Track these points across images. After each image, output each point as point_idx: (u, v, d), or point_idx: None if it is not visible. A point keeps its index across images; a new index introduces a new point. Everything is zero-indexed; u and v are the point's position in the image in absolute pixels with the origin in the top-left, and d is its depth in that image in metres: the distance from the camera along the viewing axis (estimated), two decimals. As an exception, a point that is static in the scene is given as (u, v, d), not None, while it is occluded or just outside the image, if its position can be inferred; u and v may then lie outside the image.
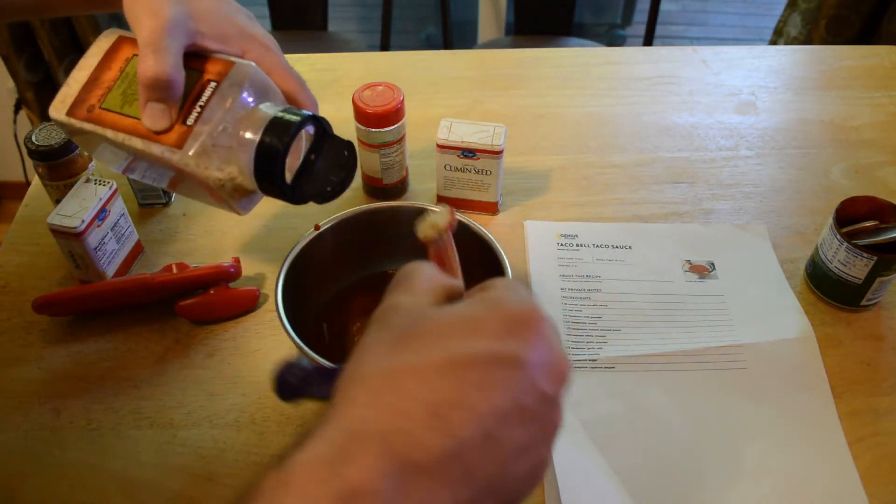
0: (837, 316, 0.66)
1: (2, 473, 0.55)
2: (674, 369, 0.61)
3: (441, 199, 0.76)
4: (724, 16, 2.85)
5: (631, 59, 1.02)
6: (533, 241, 0.72)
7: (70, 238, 0.62)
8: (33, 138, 0.67)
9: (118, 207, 0.67)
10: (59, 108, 0.44)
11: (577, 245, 0.72)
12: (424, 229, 0.39)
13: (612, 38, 2.57)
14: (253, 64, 0.44)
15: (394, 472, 0.24)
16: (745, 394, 0.59)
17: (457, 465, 0.25)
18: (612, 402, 0.58)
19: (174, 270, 0.65)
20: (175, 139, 0.41)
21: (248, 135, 0.42)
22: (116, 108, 0.43)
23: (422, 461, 0.25)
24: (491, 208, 0.75)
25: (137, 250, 0.70)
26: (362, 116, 0.70)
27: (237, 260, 0.66)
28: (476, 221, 0.59)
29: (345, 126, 0.80)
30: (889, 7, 1.47)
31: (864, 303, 0.65)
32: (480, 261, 0.58)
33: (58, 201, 0.69)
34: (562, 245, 0.72)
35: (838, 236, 0.63)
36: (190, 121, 0.42)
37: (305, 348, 0.49)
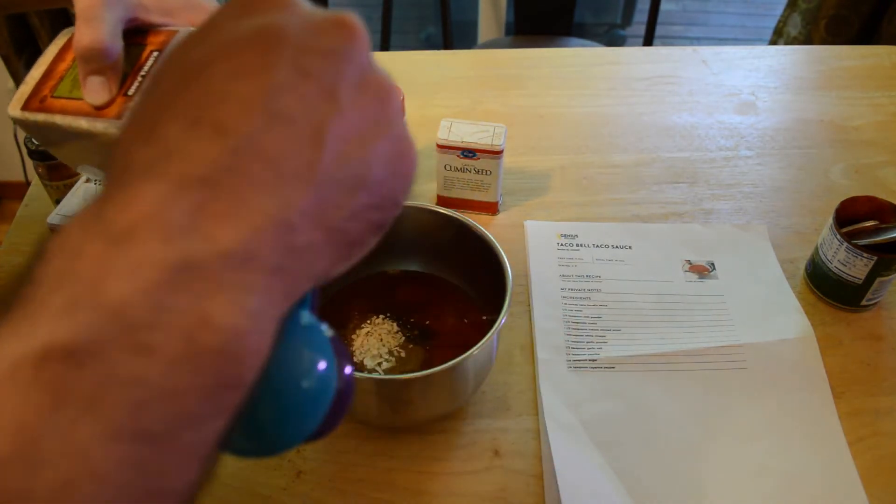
0: (837, 316, 0.66)
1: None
2: (674, 369, 0.61)
3: (441, 200, 0.76)
4: (724, 16, 2.85)
5: (631, 59, 1.02)
6: (533, 241, 0.72)
7: (70, 238, 0.62)
8: (33, 139, 0.67)
9: (118, 207, 0.66)
10: (15, 106, 0.43)
11: (577, 245, 0.72)
12: None
13: (612, 38, 2.57)
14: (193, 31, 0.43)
15: (165, 191, 0.20)
16: (745, 394, 0.59)
17: (257, 160, 0.21)
18: (612, 401, 0.58)
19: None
20: (116, 111, 0.41)
21: None
22: (66, 93, 0.42)
23: (196, 172, 0.21)
24: (491, 208, 0.75)
25: (137, 250, 0.70)
26: (362, 116, 0.70)
27: (237, 260, 0.66)
28: (476, 221, 0.59)
29: (345, 126, 0.80)
30: (889, 7, 1.47)
31: (864, 303, 0.65)
32: (480, 261, 0.58)
33: (58, 201, 0.69)
34: (562, 245, 0.72)
35: (838, 236, 0.63)
36: (131, 91, 0.41)
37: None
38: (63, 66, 0.44)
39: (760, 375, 0.60)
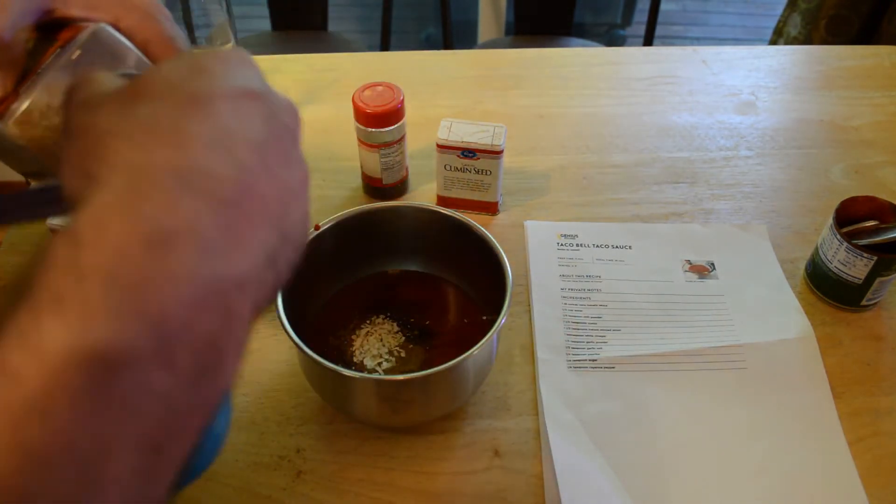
0: (837, 316, 0.66)
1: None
2: (674, 369, 0.61)
3: (441, 200, 0.76)
4: (724, 16, 2.85)
5: (631, 59, 1.02)
6: (533, 241, 0.72)
7: (70, 238, 0.62)
8: None
9: (118, 207, 0.66)
10: None
11: (577, 245, 0.72)
12: None
13: (612, 38, 2.57)
14: (105, 26, 0.40)
15: (202, 208, 0.21)
16: (745, 394, 0.59)
17: (255, 198, 0.23)
18: (612, 401, 0.58)
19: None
20: (3, 108, 0.38)
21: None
22: None
23: (224, 194, 0.22)
24: (491, 208, 0.75)
25: (137, 250, 0.70)
26: (362, 116, 0.70)
27: (237, 260, 0.66)
28: (476, 221, 0.59)
29: (345, 126, 0.80)
30: (889, 7, 1.47)
31: (864, 303, 0.65)
32: (480, 261, 0.58)
33: (58, 201, 0.69)
34: (562, 245, 0.72)
35: (838, 236, 0.63)
36: (23, 89, 0.38)
37: (305, 348, 0.49)
38: None
39: (760, 375, 0.60)
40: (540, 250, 0.71)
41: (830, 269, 0.65)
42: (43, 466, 0.17)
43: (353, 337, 0.60)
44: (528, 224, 0.74)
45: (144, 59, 0.41)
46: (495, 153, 0.70)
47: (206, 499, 0.52)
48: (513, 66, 1.00)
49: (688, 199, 0.78)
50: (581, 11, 2.49)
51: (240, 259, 0.22)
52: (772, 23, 1.67)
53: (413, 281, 0.64)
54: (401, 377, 0.49)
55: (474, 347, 0.49)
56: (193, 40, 0.78)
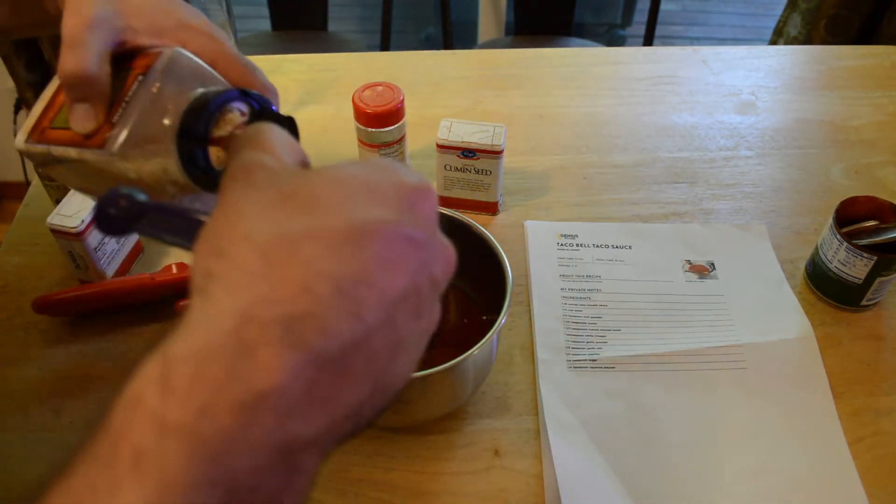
0: (837, 316, 0.66)
1: (2, 473, 0.55)
2: (674, 369, 0.61)
3: (441, 200, 0.76)
4: (724, 16, 2.85)
5: (631, 59, 1.02)
6: (533, 241, 0.72)
7: (70, 238, 0.62)
8: (39, 168, 0.67)
9: (118, 207, 0.66)
10: (20, 139, 0.42)
11: (577, 245, 0.72)
12: (221, 128, 0.38)
13: (612, 38, 2.57)
14: (180, 49, 0.41)
15: (301, 367, 0.21)
16: (745, 394, 0.59)
17: (362, 354, 0.22)
18: (612, 401, 0.58)
19: (174, 270, 0.65)
20: (100, 139, 0.39)
21: (169, 122, 0.38)
22: (61, 124, 0.41)
23: (330, 351, 0.21)
24: (491, 208, 0.75)
25: (137, 250, 0.70)
26: (362, 116, 0.70)
27: (237, 260, 0.66)
28: (476, 221, 0.59)
29: (345, 126, 0.80)
30: (889, 7, 1.47)
31: (864, 303, 0.65)
32: (480, 261, 0.58)
33: (58, 201, 0.69)
34: (562, 245, 0.72)
35: (838, 236, 0.63)
36: (115, 118, 0.39)
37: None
38: (61, 98, 0.43)
39: (760, 375, 0.60)
40: (540, 250, 0.71)
41: (830, 269, 0.65)
42: None
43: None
44: (528, 224, 0.74)
45: (219, 76, 0.42)
46: (495, 153, 0.70)
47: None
48: (513, 66, 1.00)
49: (688, 199, 0.78)
50: (581, 11, 2.49)
51: (320, 419, 0.21)
52: (772, 23, 1.66)
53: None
54: (401, 377, 0.49)
55: (474, 347, 0.49)
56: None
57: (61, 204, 0.63)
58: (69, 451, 0.21)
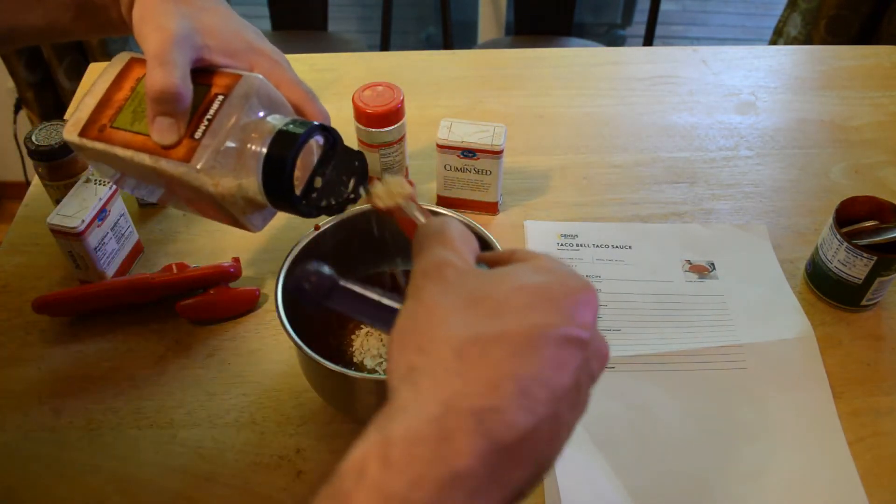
0: (837, 316, 0.66)
1: (2, 473, 0.55)
2: (674, 369, 0.61)
3: (441, 200, 0.76)
4: (724, 16, 2.85)
5: (631, 59, 1.02)
6: (533, 242, 0.72)
7: (70, 238, 0.62)
8: (33, 138, 0.67)
9: (118, 207, 0.67)
10: (71, 131, 0.44)
11: (577, 245, 0.72)
12: (383, 198, 0.42)
13: (612, 38, 2.57)
14: (260, 76, 0.44)
15: (487, 453, 0.24)
16: (745, 394, 0.59)
17: (531, 444, 0.26)
18: (611, 402, 0.58)
19: (174, 270, 0.65)
20: (183, 153, 0.41)
21: (256, 147, 0.42)
22: (126, 125, 0.43)
23: (508, 441, 0.25)
24: (491, 208, 0.75)
25: (137, 250, 0.70)
26: (362, 116, 0.70)
27: (237, 260, 0.66)
28: (476, 221, 0.59)
29: (345, 126, 0.80)
30: (889, 7, 1.47)
31: (864, 303, 0.65)
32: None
33: (58, 201, 0.69)
34: (562, 245, 0.72)
35: (838, 236, 0.63)
36: (198, 134, 0.41)
37: (305, 348, 0.49)
38: (121, 96, 0.44)
39: (760, 375, 0.60)
40: (540, 250, 0.71)
41: (830, 269, 0.65)
42: None
43: (353, 337, 0.60)
44: (528, 224, 0.74)
45: (288, 104, 0.45)
46: (495, 153, 0.70)
47: (206, 499, 0.52)
48: (513, 66, 1.00)
49: (688, 199, 0.78)
50: (581, 11, 2.49)
51: (495, 497, 0.25)
52: (772, 23, 1.67)
53: (413, 281, 0.64)
54: (401, 377, 0.49)
55: (474, 347, 0.49)
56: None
57: (61, 204, 0.63)
58: None
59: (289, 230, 0.73)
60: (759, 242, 0.73)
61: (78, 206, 0.63)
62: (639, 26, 2.49)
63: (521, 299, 0.28)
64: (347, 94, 0.72)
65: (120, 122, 0.43)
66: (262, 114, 0.43)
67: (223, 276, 0.65)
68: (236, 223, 0.46)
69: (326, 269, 0.34)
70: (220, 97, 0.42)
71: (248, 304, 0.65)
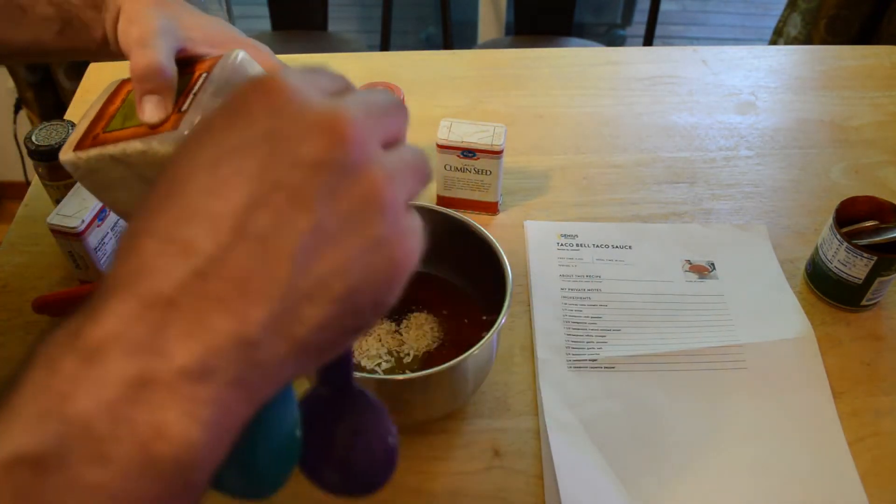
0: (837, 316, 0.66)
1: (2, 473, 0.54)
2: (674, 369, 0.61)
3: (441, 200, 0.76)
4: (724, 16, 2.85)
5: (631, 59, 1.02)
6: (533, 241, 0.72)
7: (70, 238, 0.62)
8: (33, 138, 0.67)
9: (118, 207, 0.67)
10: (66, 151, 0.44)
11: (577, 245, 0.72)
12: None
13: (612, 38, 2.57)
14: (243, 51, 0.44)
15: (134, 311, 0.22)
16: (745, 394, 0.59)
17: (220, 280, 0.22)
18: (612, 401, 0.58)
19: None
20: (171, 125, 0.42)
21: None
22: (118, 126, 0.43)
23: (171, 293, 0.22)
24: (491, 208, 0.75)
25: (137, 250, 0.70)
26: (362, 116, 0.70)
27: (237, 260, 0.66)
28: (476, 221, 0.59)
29: (345, 126, 0.80)
30: (889, 7, 1.47)
31: (864, 303, 0.65)
32: (480, 261, 0.58)
33: (58, 201, 0.69)
34: (562, 245, 0.72)
35: (838, 236, 0.63)
36: (185, 107, 0.42)
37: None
38: (113, 108, 0.45)
39: (760, 375, 0.60)
40: (540, 250, 0.71)
41: (830, 269, 0.65)
42: None
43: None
44: (528, 224, 0.74)
45: None
46: (495, 153, 0.70)
47: (206, 499, 0.52)
48: (513, 66, 1.00)
49: (688, 199, 0.78)
50: (581, 11, 2.49)
51: (181, 352, 0.21)
52: (772, 23, 1.67)
53: (413, 281, 0.64)
54: (401, 377, 0.49)
55: (474, 347, 0.49)
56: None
57: (61, 204, 0.63)
58: None
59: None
60: (759, 242, 0.73)
61: (78, 206, 0.63)
62: (639, 26, 2.49)
63: (214, 123, 0.25)
64: (347, 94, 0.72)
65: (112, 126, 0.44)
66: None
67: (223, 276, 0.65)
68: None
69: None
70: (204, 75, 0.43)
71: (248, 304, 0.65)
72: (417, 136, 0.82)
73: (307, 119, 0.23)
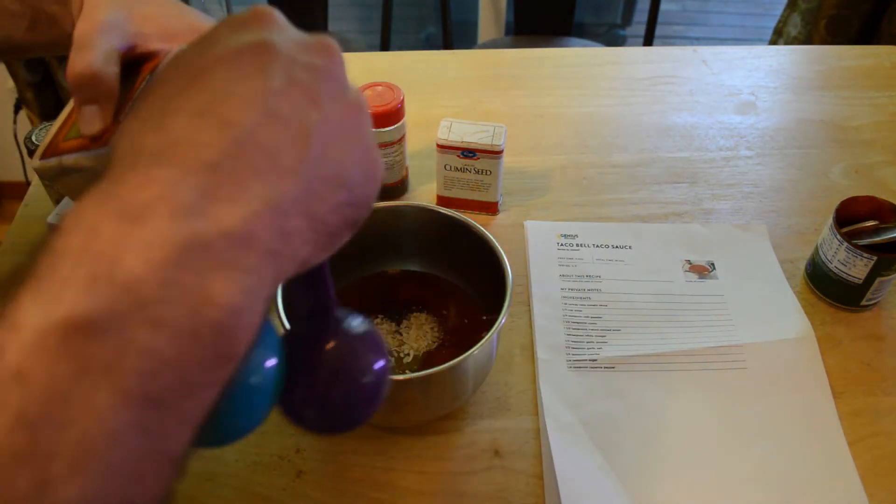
0: (837, 316, 0.66)
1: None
2: (674, 369, 0.61)
3: (441, 200, 0.76)
4: (724, 16, 2.85)
5: (631, 59, 1.02)
6: (533, 241, 0.72)
7: (70, 238, 0.62)
8: (33, 138, 0.67)
9: (118, 207, 0.66)
10: (35, 158, 0.42)
11: (577, 245, 0.72)
12: None
13: (612, 38, 2.57)
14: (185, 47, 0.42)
15: (176, 177, 0.22)
16: (745, 394, 0.59)
17: (247, 151, 0.23)
18: (612, 402, 0.58)
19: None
20: (108, 138, 0.39)
21: None
22: (74, 135, 0.41)
23: (204, 158, 0.23)
24: (491, 208, 0.75)
25: (137, 250, 0.70)
26: (362, 116, 0.70)
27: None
28: (476, 221, 0.59)
29: (345, 126, 0.80)
30: (889, 7, 1.47)
31: (864, 303, 0.65)
32: (480, 261, 0.58)
33: (58, 201, 0.69)
34: (562, 245, 0.72)
35: (838, 236, 0.63)
36: (122, 117, 0.39)
37: (305, 348, 0.49)
38: (75, 116, 0.43)
39: (760, 375, 0.60)
40: (540, 250, 0.71)
41: (830, 269, 0.65)
42: (28, 426, 0.18)
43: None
44: (528, 224, 0.74)
45: None
46: (495, 153, 0.70)
47: (206, 499, 0.52)
48: (513, 66, 1.00)
49: (688, 199, 0.78)
50: (581, 11, 2.49)
51: (226, 215, 0.22)
52: (772, 23, 1.67)
53: (413, 281, 0.64)
54: (401, 377, 0.49)
55: (474, 347, 0.49)
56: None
57: (61, 204, 0.63)
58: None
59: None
60: (759, 242, 0.73)
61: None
62: (639, 26, 2.49)
63: (181, 59, 0.27)
64: (347, 94, 0.72)
65: (70, 134, 0.42)
66: None
67: (223, 276, 0.64)
68: None
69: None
70: (149, 77, 0.40)
71: (248, 304, 0.65)
72: (417, 136, 0.83)
73: (305, 37, 0.27)
